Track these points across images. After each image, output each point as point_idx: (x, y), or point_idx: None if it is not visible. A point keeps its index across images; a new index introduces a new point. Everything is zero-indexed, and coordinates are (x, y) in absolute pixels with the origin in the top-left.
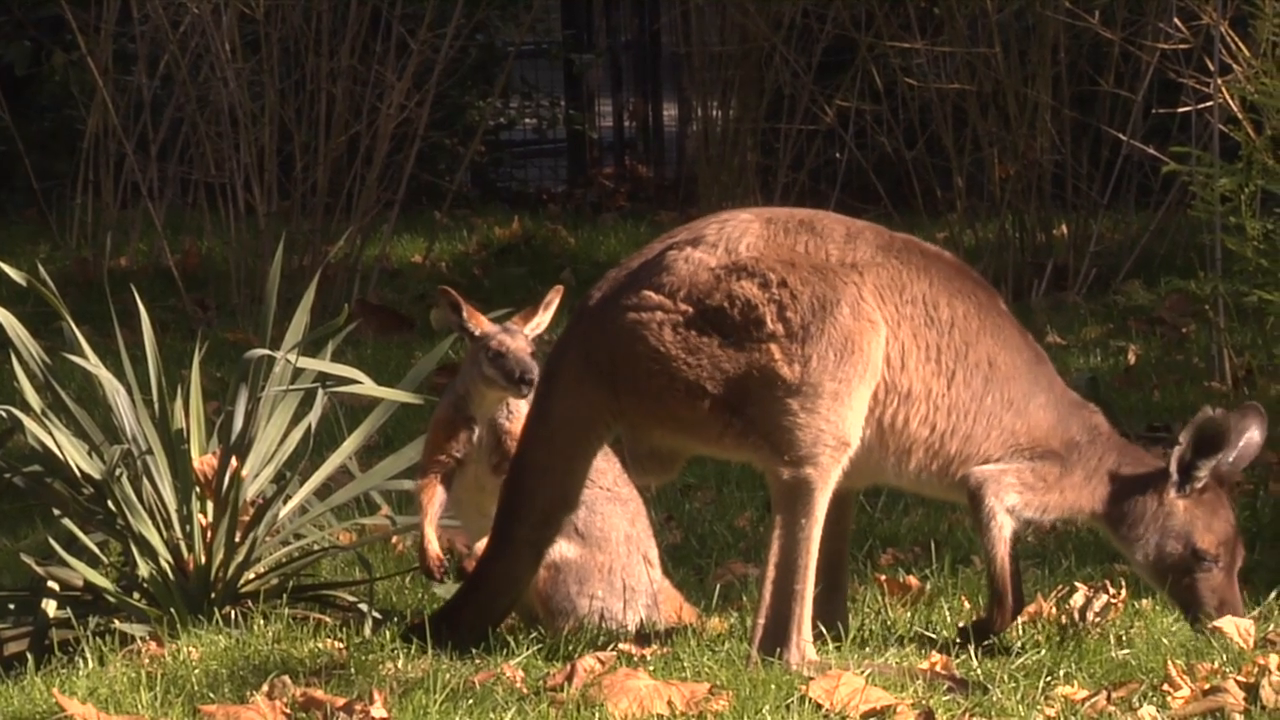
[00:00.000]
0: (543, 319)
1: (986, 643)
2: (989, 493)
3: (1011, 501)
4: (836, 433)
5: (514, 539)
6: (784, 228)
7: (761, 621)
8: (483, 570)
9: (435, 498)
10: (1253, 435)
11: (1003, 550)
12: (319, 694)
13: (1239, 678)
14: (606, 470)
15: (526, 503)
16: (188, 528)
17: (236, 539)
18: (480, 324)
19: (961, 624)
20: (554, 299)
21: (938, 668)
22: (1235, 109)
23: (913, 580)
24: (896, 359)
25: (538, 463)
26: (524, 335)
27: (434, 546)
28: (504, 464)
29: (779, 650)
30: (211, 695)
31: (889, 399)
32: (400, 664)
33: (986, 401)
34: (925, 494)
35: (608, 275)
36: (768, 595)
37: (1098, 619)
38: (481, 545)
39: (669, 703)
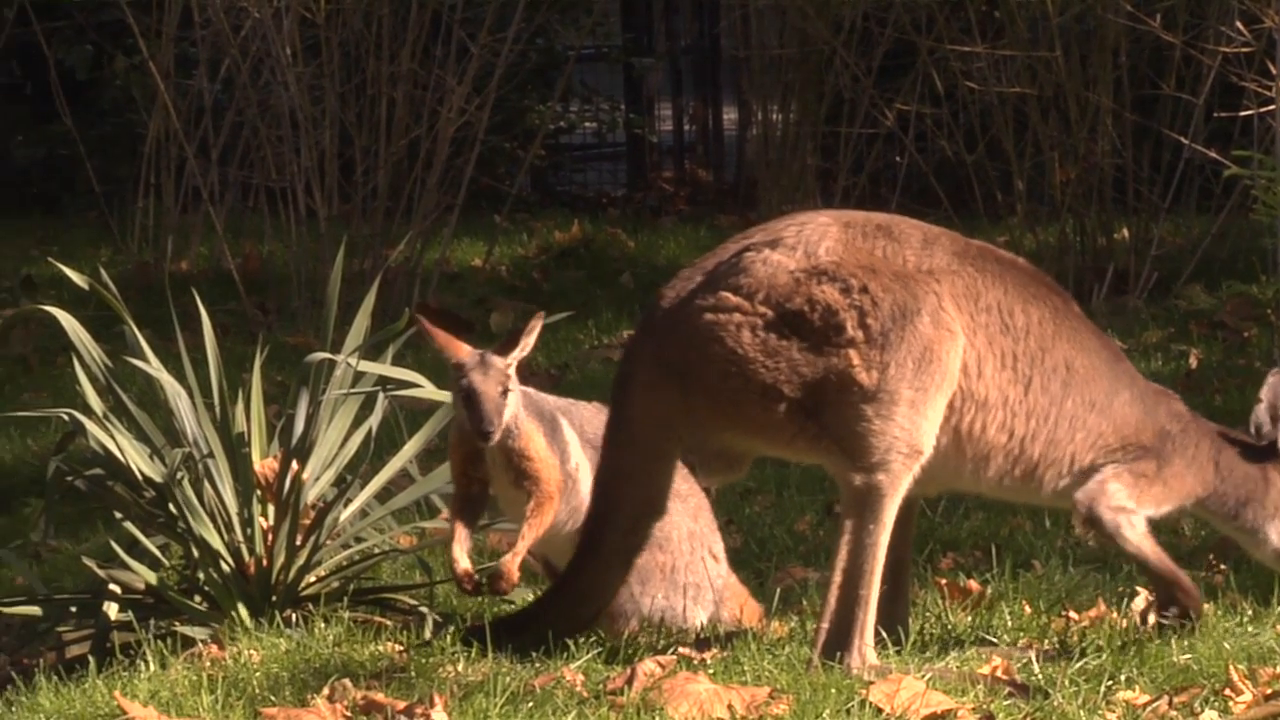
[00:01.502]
0: (526, 343)
1: (1188, 627)
2: (1101, 507)
3: (1127, 503)
4: (910, 440)
5: (603, 547)
6: (861, 232)
7: (825, 626)
8: (570, 578)
9: (461, 518)
10: None
11: (1148, 546)
12: (379, 697)
13: None
14: None
15: (614, 510)
16: (249, 531)
17: (297, 542)
18: (457, 351)
19: (1159, 621)
20: (536, 325)
21: (998, 672)
22: None
23: (973, 584)
24: (973, 367)
25: (622, 469)
26: (498, 369)
27: (461, 565)
28: (521, 479)
29: (840, 654)
30: (272, 698)
31: (965, 407)
32: (460, 667)
33: (1067, 405)
34: (1007, 499)
35: (680, 275)
36: (832, 600)
37: (1160, 622)
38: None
39: (729, 707)
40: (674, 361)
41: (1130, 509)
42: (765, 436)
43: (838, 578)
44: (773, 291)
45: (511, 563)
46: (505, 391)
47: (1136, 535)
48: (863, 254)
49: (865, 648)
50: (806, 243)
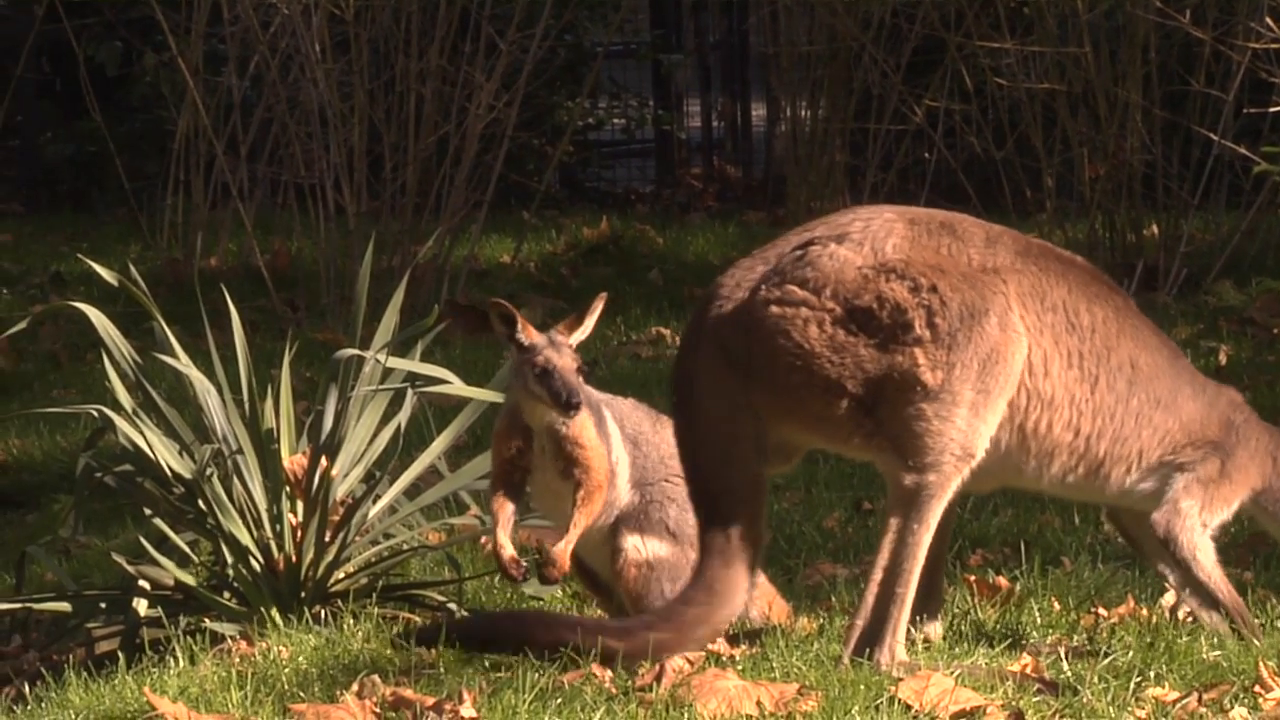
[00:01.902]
0: (588, 325)
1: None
2: (1177, 530)
3: (1201, 522)
4: (965, 443)
5: (722, 545)
6: (927, 229)
7: (859, 623)
8: (700, 585)
9: (505, 506)
10: None
11: (1217, 575)
12: (408, 693)
13: None
14: None
15: (714, 508)
16: (278, 527)
17: (326, 538)
18: (530, 335)
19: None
20: (598, 306)
21: (1027, 669)
22: None
23: (1002, 581)
24: (1039, 366)
25: (707, 468)
26: (569, 348)
27: (507, 551)
28: (570, 469)
29: (871, 651)
30: (301, 694)
31: (1031, 405)
32: (489, 663)
33: (1133, 403)
34: (1068, 496)
35: (738, 265)
36: (870, 597)
37: (1190, 617)
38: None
39: (758, 703)
40: (737, 352)
41: (1207, 526)
42: (822, 430)
43: (877, 574)
44: (840, 287)
45: (564, 550)
46: (579, 369)
47: (1210, 563)
48: (929, 251)
49: (896, 645)
50: (873, 239)
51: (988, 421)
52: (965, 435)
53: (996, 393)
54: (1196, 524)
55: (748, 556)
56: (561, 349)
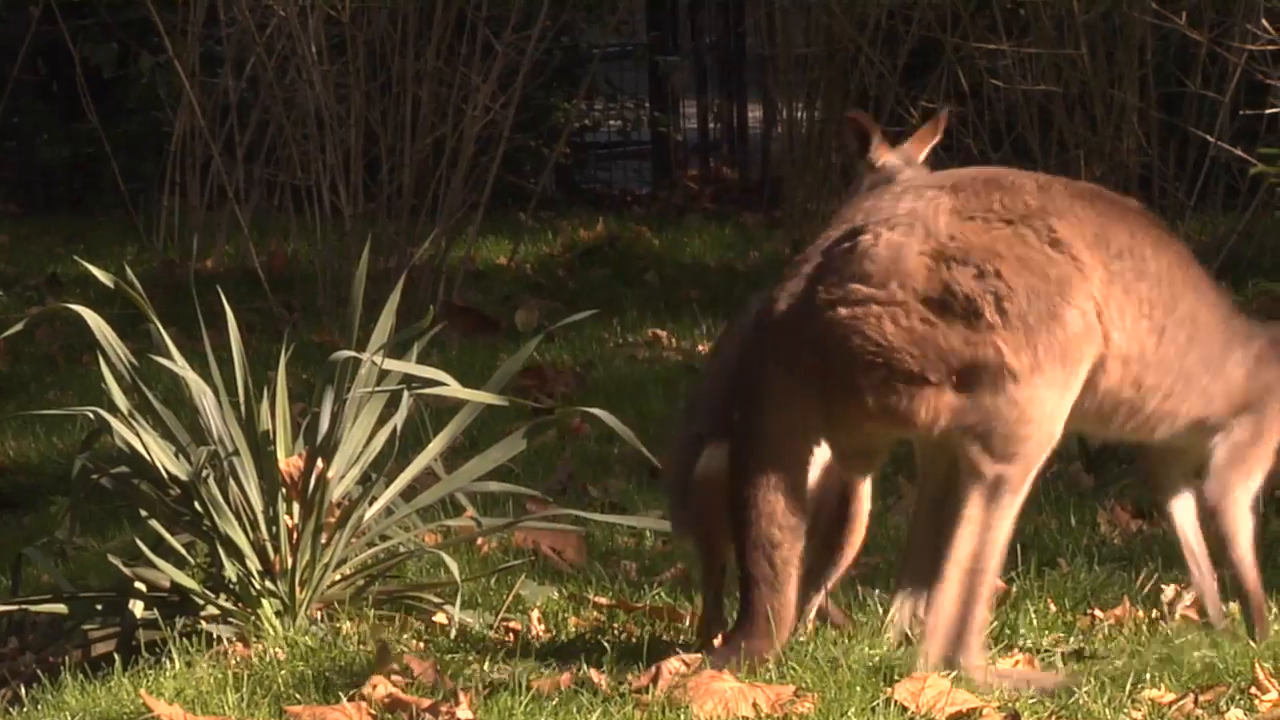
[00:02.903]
0: (939, 131)
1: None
2: (1226, 506)
3: (1246, 490)
4: (1050, 427)
5: (777, 566)
6: (973, 191)
7: (938, 623)
8: (752, 610)
9: None
10: None
11: (1250, 559)
12: (405, 695)
13: None
14: None
15: (771, 530)
16: (274, 529)
17: (323, 540)
18: (883, 154)
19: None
20: (943, 119)
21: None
22: None
23: (999, 582)
24: (1116, 318)
25: (761, 490)
26: (924, 170)
27: None
28: None
29: (956, 657)
30: (298, 696)
31: (1103, 362)
32: (485, 666)
33: (1188, 360)
34: (1101, 435)
35: (784, 280)
36: (944, 597)
37: (1188, 611)
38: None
39: (754, 705)
40: (808, 368)
41: (1250, 490)
42: (907, 425)
43: (955, 573)
44: (905, 277)
45: None
46: None
47: (1246, 544)
48: (980, 223)
49: (981, 651)
50: (923, 219)
51: (1067, 400)
52: (1052, 419)
53: (1081, 364)
54: (1242, 498)
55: (792, 574)
56: (918, 170)
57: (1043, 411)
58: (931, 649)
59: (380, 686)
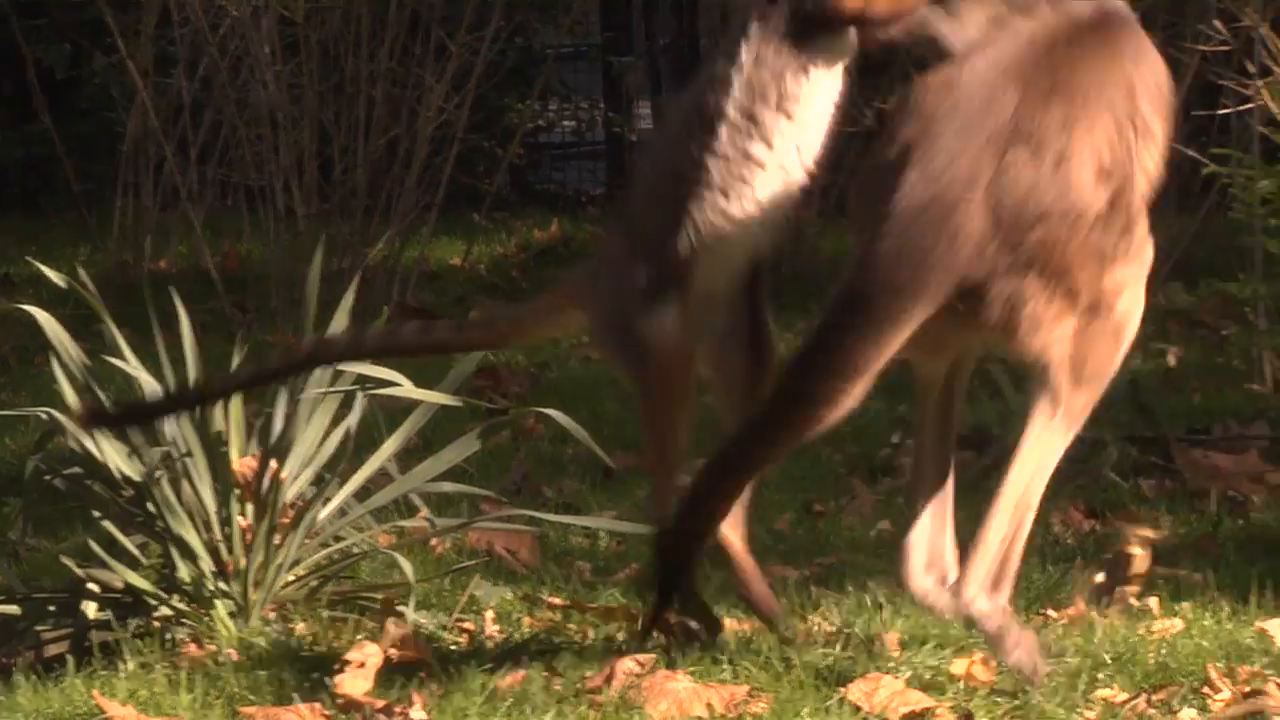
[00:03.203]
0: None
1: None
2: None
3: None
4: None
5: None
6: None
7: (983, 557)
8: None
9: None
10: None
11: None
12: (358, 696)
13: None
14: None
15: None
16: (227, 530)
17: (276, 541)
18: None
19: None
20: None
21: (977, 670)
22: (1276, 111)
23: None
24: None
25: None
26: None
27: None
28: None
29: (991, 596)
30: (251, 697)
31: None
32: (438, 666)
33: None
34: None
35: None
36: (992, 533)
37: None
38: None
39: (708, 705)
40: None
41: None
42: (1017, 343)
43: (1006, 506)
44: (1090, 193)
45: None
46: None
47: None
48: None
49: (1008, 591)
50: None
51: None
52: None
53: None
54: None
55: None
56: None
57: (1129, 335)
58: (972, 583)
59: (334, 686)
